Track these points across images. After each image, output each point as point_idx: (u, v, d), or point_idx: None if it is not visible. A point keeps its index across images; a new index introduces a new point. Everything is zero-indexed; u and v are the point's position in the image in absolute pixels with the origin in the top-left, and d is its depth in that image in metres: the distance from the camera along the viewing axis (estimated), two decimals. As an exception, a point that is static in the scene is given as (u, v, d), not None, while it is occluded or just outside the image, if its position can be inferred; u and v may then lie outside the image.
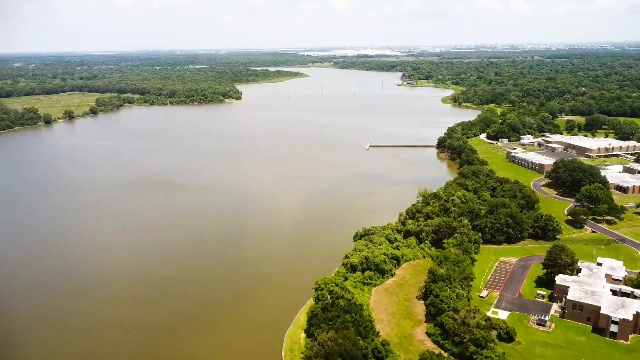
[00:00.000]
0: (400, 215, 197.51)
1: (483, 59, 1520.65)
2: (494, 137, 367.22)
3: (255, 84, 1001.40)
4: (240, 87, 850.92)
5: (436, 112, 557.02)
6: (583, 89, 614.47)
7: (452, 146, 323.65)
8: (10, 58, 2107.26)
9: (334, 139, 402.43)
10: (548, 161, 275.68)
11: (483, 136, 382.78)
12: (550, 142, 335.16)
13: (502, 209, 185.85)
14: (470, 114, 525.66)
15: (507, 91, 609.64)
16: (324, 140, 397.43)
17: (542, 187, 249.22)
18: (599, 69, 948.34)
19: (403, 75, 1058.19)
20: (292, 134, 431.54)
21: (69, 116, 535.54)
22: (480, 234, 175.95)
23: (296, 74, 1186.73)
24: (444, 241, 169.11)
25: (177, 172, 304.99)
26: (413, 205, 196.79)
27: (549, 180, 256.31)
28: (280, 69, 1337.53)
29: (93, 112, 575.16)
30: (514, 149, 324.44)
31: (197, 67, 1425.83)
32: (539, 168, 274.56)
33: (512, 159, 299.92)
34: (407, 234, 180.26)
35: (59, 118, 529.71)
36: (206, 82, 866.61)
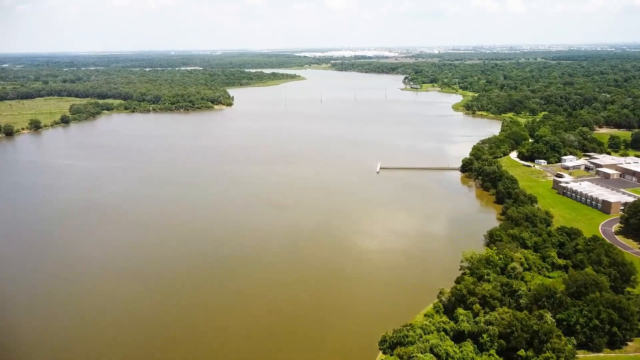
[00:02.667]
0: (440, 295, 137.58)
1: (485, 61, 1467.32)
2: (528, 157, 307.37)
3: (249, 87, 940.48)
4: (232, 91, 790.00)
5: (449, 121, 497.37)
6: (607, 95, 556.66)
7: (483, 172, 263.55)
8: (0, 59, 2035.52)
9: (337, 157, 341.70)
10: (615, 197, 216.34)
11: (514, 155, 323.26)
12: (601, 166, 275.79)
13: (593, 290, 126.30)
14: (488, 125, 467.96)
15: (525, 98, 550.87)
16: (325, 160, 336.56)
17: (615, 236, 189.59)
18: (612, 72, 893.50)
19: (405, 78, 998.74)
20: (287, 150, 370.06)
21: (35, 126, 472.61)
22: (573, 340, 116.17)
23: (293, 77, 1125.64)
24: (519, 354, 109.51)
25: (131, 202, 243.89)
26: (462, 283, 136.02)
27: (621, 226, 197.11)
28: (275, 71, 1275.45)
29: (64, 121, 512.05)
30: (560, 175, 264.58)
31: (189, 68, 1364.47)
32: (602, 206, 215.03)
33: (562, 191, 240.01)
34: (459, 336, 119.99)
35: (23, 129, 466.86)
36: (196, 85, 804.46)
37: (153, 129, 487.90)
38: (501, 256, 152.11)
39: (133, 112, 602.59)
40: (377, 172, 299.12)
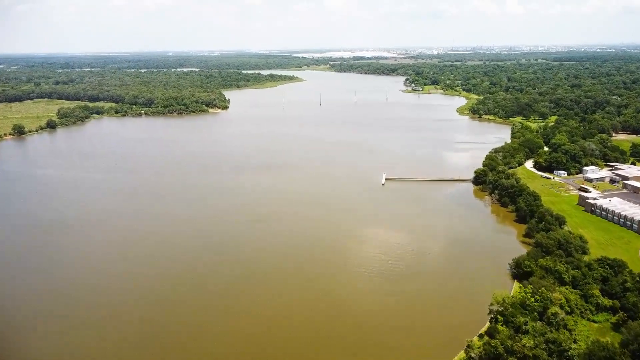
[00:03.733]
0: (469, 350, 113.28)
1: (485, 62, 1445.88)
2: (546, 167, 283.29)
3: (246, 89, 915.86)
4: (229, 93, 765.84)
5: (454, 126, 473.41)
6: (618, 98, 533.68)
7: (500, 185, 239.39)
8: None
9: (338, 166, 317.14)
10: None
11: (529, 165, 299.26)
12: (628, 179, 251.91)
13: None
14: (496, 130, 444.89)
15: (533, 101, 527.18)
16: (325, 169, 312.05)
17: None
18: (618, 73, 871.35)
19: (406, 80, 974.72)
20: (283, 158, 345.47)
21: (19, 132, 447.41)
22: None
23: (291, 78, 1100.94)
24: None
25: (99, 218, 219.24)
26: (497, 337, 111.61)
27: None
28: (273, 72, 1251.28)
29: (50, 126, 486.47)
30: (585, 189, 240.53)
31: (186, 70, 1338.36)
32: (638, 227, 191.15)
33: (590, 208, 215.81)
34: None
35: (5, 134, 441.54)
36: (191, 87, 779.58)
37: (142, 135, 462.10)
38: (537, 297, 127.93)
39: (124, 115, 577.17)
40: (383, 184, 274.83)
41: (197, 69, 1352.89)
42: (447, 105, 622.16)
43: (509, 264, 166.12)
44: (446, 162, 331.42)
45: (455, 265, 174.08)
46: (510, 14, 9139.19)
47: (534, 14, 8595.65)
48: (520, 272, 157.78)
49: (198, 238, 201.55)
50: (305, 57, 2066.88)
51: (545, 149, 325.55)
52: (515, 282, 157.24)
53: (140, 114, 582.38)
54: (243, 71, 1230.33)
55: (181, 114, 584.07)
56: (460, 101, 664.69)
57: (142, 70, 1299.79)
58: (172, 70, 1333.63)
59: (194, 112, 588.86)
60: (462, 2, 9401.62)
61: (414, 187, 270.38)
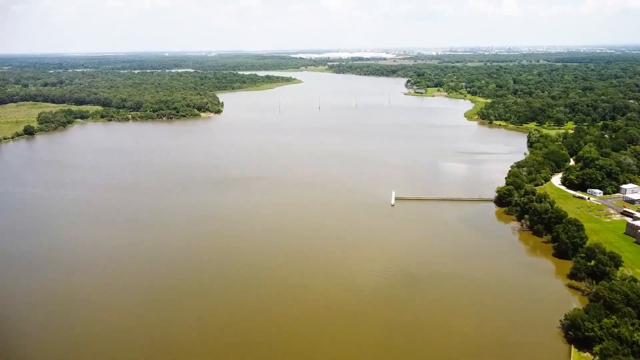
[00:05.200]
0: None
1: (487, 63, 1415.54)
2: (578, 185, 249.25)
3: (241, 91, 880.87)
4: (223, 95, 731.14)
5: (465, 133, 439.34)
6: (635, 102, 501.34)
7: (529, 209, 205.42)
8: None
9: (340, 182, 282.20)
10: None
11: (556, 181, 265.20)
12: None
13: None
14: (510, 138, 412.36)
15: (547, 106, 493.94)
16: (325, 186, 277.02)
17: None
18: (626, 75, 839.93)
19: (408, 82, 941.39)
20: (276, 173, 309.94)
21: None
22: None
23: (288, 80, 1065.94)
24: None
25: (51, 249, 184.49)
26: None
27: None
28: (270, 73, 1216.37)
29: (28, 132, 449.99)
30: (629, 213, 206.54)
31: (180, 70, 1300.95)
32: None
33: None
34: None
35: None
36: (184, 90, 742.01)
37: (126, 142, 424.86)
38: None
39: (110, 120, 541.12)
40: (392, 205, 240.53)
41: (192, 70, 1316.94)
42: (453, 109, 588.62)
43: (560, 321, 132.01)
44: (461, 176, 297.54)
45: (490, 322, 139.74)
46: (507, 15, 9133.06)
47: (531, 15, 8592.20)
48: (578, 335, 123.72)
49: (170, 287, 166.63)
50: (303, 58, 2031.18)
51: (572, 162, 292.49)
52: (573, 349, 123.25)
53: (127, 119, 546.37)
54: (239, 72, 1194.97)
55: (171, 118, 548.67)
56: (466, 104, 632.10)
57: (136, 71, 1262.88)
58: (167, 71, 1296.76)
59: (184, 116, 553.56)
60: (459, 2, 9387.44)
61: (428, 209, 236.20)
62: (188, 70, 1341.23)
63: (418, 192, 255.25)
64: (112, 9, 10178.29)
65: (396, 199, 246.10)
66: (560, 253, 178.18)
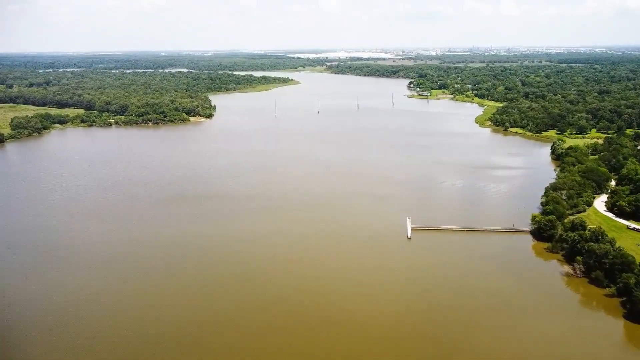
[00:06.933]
0: None
1: (488, 63, 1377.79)
2: (629, 213, 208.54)
3: (236, 92, 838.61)
4: (216, 97, 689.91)
5: (478, 143, 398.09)
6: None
7: (582, 249, 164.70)
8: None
9: (346, 207, 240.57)
10: None
11: (599, 206, 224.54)
12: None
13: None
14: (529, 148, 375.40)
15: (566, 111, 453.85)
16: (325, 213, 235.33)
17: None
18: (638, 77, 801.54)
19: (411, 83, 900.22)
20: (268, 194, 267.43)
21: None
22: None
23: (285, 81, 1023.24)
24: None
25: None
26: None
27: None
28: (267, 74, 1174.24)
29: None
30: None
31: (174, 70, 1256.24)
32: None
33: None
34: None
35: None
36: (175, 91, 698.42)
37: (103, 152, 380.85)
38: None
39: (91, 126, 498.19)
40: (409, 238, 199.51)
41: (185, 70, 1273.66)
42: (462, 114, 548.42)
43: None
44: (484, 198, 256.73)
45: None
46: (506, 15, 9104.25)
47: (529, 16, 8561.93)
48: None
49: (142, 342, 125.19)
50: (300, 58, 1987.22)
51: (612, 182, 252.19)
52: None
53: (109, 124, 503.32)
54: (235, 72, 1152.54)
55: (157, 123, 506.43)
56: (474, 108, 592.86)
57: (128, 71, 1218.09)
58: (160, 71, 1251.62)
59: (172, 121, 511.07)
60: (457, 3, 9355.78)
61: (452, 242, 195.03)
62: (182, 70, 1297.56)
63: (437, 220, 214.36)
64: (110, 9, 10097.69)
65: (413, 229, 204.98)
66: (634, 314, 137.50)
